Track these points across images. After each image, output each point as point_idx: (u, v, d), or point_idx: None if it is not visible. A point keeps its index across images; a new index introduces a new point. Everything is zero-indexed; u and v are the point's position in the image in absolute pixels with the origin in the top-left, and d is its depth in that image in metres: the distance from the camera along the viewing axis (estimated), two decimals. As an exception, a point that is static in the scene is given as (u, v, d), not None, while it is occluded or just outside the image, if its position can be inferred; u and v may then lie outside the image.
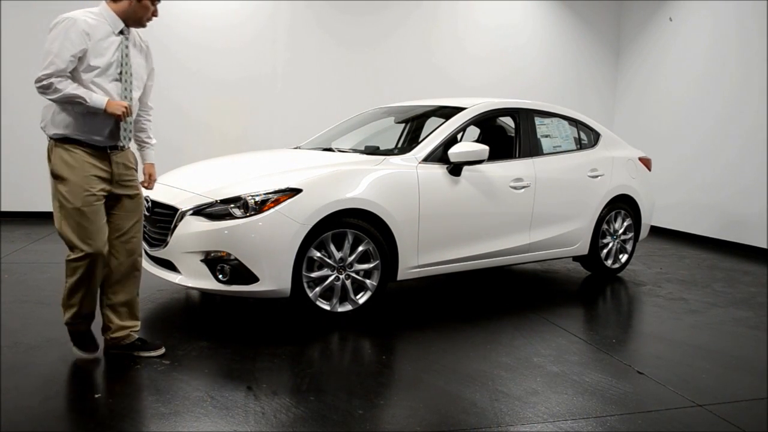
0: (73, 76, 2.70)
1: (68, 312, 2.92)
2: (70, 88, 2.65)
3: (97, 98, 2.69)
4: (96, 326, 3.04)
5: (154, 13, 2.93)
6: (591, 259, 5.12)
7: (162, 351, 3.10)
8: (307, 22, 7.93)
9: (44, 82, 2.63)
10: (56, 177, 2.78)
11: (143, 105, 3.11)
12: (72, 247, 2.79)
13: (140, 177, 3.12)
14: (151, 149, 3.21)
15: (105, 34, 2.77)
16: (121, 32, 2.85)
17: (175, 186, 3.75)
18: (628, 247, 5.35)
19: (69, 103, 2.70)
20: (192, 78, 7.61)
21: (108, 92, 2.78)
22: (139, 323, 3.12)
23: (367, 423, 2.45)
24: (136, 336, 3.09)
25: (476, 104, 4.50)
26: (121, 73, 2.83)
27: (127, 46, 2.86)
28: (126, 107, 2.74)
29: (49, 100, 2.72)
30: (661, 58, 8.41)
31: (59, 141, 2.77)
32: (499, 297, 4.60)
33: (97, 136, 2.79)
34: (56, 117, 2.76)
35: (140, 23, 2.91)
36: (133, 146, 3.09)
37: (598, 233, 5.04)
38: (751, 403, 2.82)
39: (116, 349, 3.05)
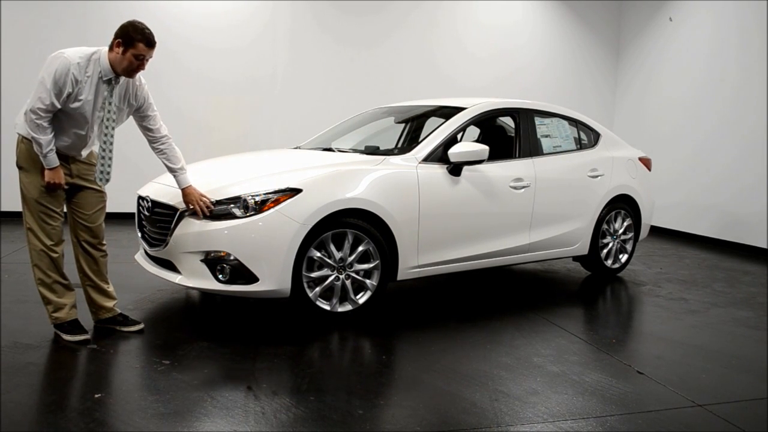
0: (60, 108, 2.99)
1: (51, 306, 3.20)
2: (43, 138, 2.93)
3: (50, 159, 2.99)
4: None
5: (141, 66, 3.07)
6: (591, 259, 5.12)
7: (141, 326, 3.40)
8: (307, 23, 7.93)
9: (33, 117, 2.91)
10: (19, 167, 3.11)
11: (151, 136, 3.34)
12: (30, 237, 3.12)
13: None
14: (180, 174, 3.38)
15: (91, 80, 3.00)
16: (110, 80, 3.05)
17: (176, 186, 3.74)
18: (628, 247, 5.35)
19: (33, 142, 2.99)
20: (192, 78, 7.61)
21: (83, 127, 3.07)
22: (114, 302, 3.41)
23: (367, 423, 2.45)
24: (118, 311, 3.42)
25: (476, 104, 4.50)
26: (102, 119, 3.10)
27: (111, 94, 3.07)
28: (56, 184, 3.03)
29: (29, 128, 2.95)
30: (661, 58, 8.41)
31: (26, 138, 3.05)
32: (499, 297, 4.60)
33: (61, 149, 3.08)
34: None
35: (127, 74, 3.08)
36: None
37: (598, 233, 5.04)
38: (751, 403, 2.82)
39: (99, 323, 3.39)
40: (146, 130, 3.32)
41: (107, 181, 3.22)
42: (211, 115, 7.70)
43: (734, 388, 3.00)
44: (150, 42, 3.02)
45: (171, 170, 3.38)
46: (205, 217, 3.42)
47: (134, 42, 2.97)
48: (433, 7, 8.35)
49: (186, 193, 3.39)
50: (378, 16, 8.16)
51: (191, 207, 3.40)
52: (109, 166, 3.18)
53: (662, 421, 2.58)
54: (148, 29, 3.04)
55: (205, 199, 3.40)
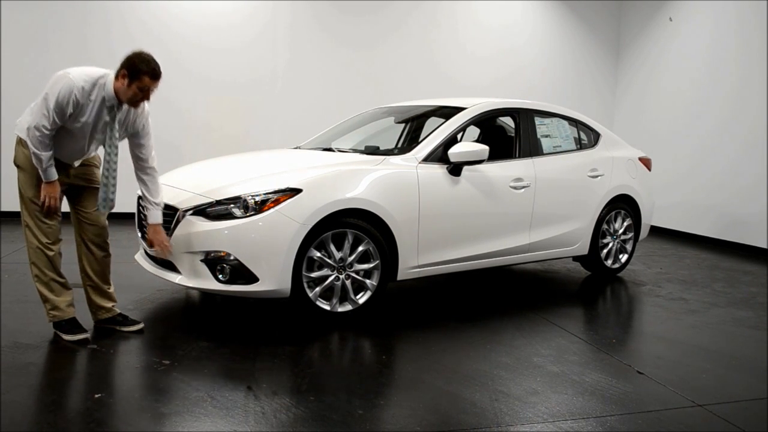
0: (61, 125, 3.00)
1: (49, 303, 3.20)
2: (44, 154, 2.95)
3: (49, 174, 3.02)
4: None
5: (145, 97, 3.04)
6: (591, 259, 5.12)
7: (141, 326, 3.40)
8: (307, 23, 7.93)
9: (38, 134, 2.91)
10: (17, 166, 3.13)
11: (139, 165, 3.31)
12: (27, 234, 3.14)
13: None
14: (155, 209, 3.33)
15: (94, 104, 3.00)
16: (112, 107, 3.03)
17: (175, 186, 3.75)
18: (628, 247, 5.35)
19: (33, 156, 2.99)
20: (192, 78, 7.61)
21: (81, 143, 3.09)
22: (114, 303, 3.41)
23: (367, 423, 2.45)
24: (117, 311, 3.42)
25: (476, 104, 4.50)
26: (104, 144, 3.12)
27: (114, 120, 3.06)
28: (50, 207, 3.06)
29: (30, 143, 2.96)
30: (661, 58, 8.41)
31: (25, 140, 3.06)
32: (499, 297, 4.60)
33: (56, 158, 3.08)
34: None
35: (131, 104, 3.06)
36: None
37: (598, 233, 5.04)
38: (751, 403, 2.82)
39: (98, 323, 3.39)
40: (137, 158, 3.28)
41: (110, 208, 3.19)
42: (211, 115, 7.69)
43: (734, 388, 3.00)
44: (155, 75, 2.99)
45: (147, 200, 3.32)
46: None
47: (140, 75, 2.94)
48: (433, 7, 8.36)
49: (155, 230, 3.34)
50: (378, 16, 8.17)
51: (153, 245, 3.38)
52: (113, 193, 3.16)
53: (662, 421, 2.58)
54: (155, 61, 3.00)
55: (167, 245, 3.38)
